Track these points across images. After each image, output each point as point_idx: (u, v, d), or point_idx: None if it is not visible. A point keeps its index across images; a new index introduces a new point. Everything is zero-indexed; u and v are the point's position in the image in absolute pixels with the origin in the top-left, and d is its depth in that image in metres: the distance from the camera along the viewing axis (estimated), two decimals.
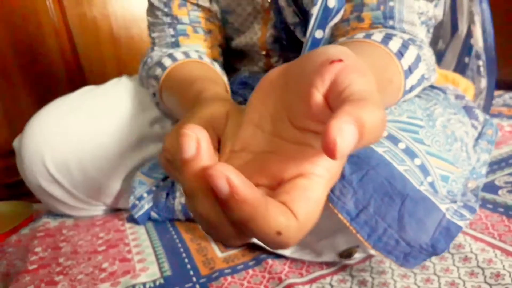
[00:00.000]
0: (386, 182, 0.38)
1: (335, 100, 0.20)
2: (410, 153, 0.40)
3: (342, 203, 0.39)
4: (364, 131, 0.17)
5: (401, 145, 0.40)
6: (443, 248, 0.38)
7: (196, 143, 0.19)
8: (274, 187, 0.23)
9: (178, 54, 0.65)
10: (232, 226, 0.20)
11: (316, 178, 0.21)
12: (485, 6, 0.74)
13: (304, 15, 0.57)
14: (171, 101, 0.62)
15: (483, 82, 0.78)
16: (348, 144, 0.16)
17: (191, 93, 0.54)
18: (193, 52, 0.67)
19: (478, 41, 0.76)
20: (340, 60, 0.21)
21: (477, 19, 0.74)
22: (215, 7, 0.70)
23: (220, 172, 0.17)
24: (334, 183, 0.23)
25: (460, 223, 0.38)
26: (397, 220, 0.38)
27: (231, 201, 0.18)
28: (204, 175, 0.18)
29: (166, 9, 0.68)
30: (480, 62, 0.77)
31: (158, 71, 0.64)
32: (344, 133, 0.16)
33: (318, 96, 0.21)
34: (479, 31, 0.75)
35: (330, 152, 0.16)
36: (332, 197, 0.39)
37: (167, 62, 0.64)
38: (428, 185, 0.40)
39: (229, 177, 0.17)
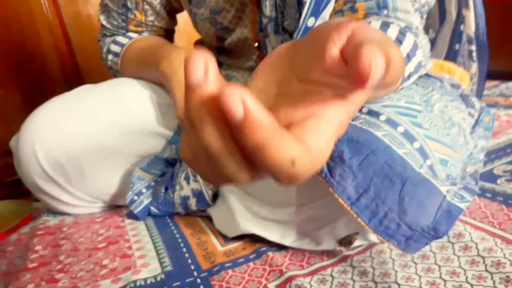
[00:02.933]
0: (386, 166, 0.38)
1: (353, 50, 0.19)
2: (409, 137, 0.40)
3: (342, 187, 0.39)
4: (390, 66, 0.17)
5: (400, 129, 0.40)
6: (445, 231, 0.38)
7: (204, 66, 0.17)
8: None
9: (131, 34, 0.79)
10: (241, 156, 0.19)
11: (326, 121, 0.21)
12: None
13: (281, 11, 0.58)
14: (133, 67, 0.75)
15: (474, 67, 0.78)
16: (379, 73, 0.16)
17: (162, 50, 0.68)
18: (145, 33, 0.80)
19: (471, 25, 0.76)
20: (357, 20, 0.21)
21: (470, 2, 0.75)
22: (168, 25, 0.82)
23: (235, 94, 0.16)
24: (341, 133, 0.22)
25: (461, 205, 0.38)
26: (398, 203, 0.38)
27: (246, 125, 0.17)
28: (214, 99, 0.17)
29: (123, 24, 0.78)
30: (473, 47, 0.77)
31: (115, 47, 0.77)
32: (377, 61, 0.16)
33: (334, 48, 0.20)
34: (472, 14, 0.75)
35: (362, 78, 0.16)
36: (332, 182, 0.39)
37: (124, 40, 0.78)
38: (427, 168, 0.40)
39: (244, 99, 0.16)
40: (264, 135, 0.17)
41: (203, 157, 0.20)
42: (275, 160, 0.18)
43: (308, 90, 0.22)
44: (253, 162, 0.19)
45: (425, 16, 0.58)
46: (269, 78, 0.25)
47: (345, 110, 0.21)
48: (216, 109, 0.17)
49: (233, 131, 0.18)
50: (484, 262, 0.45)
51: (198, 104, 0.18)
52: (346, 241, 0.49)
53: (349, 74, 0.17)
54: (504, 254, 0.45)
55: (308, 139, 0.19)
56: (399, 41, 0.44)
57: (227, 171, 0.20)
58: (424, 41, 0.50)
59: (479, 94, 0.81)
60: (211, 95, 0.17)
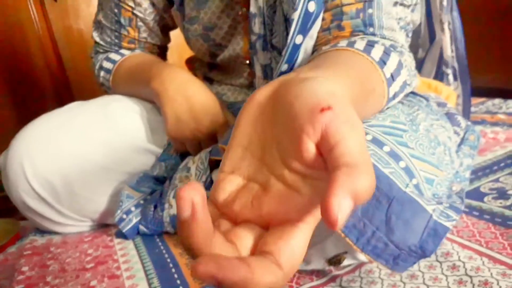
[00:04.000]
0: None
1: (327, 155, 0.21)
2: (395, 156, 0.41)
3: None
4: (358, 199, 0.19)
5: (386, 148, 0.41)
6: (432, 250, 0.39)
7: (192, 206, 0.20)
8: (264, 227, 0.24)
9: (124, 51, 0.80)
10: None
11: (303, 226, 0.23)
12: (455, 14, 0.76)
13: (270, 29, 0.60)
14: (124, 84, 0.77)
15: (457, 89, 0.80)
16: (346, 216, 0.19)
17: (153, 68, 0.70)
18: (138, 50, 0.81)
19: (446, 49, 0.78)
20: (329, 108, 0.22)
21: (446, 27, 0.77)
22: (161, 42, 0.83)
23: (207, 272, 0.19)
24: (317, 222, 0.24)
25: (447, 224, 0.39)
26: (385, 223, 0.38)
27: (223, 285, 0.19)
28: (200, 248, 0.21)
29: (116, 40, 0.79)
30: (448, 70, 0.79)
31: (108, 64, 0.78)
32: (342, 208, 0.18)
33: (310, 144, 0.23)
34: (448, 39, 0.77)
35: (331, 226, 0.18)
36: None
37: (116, 57, 0.79)
38: (413, 187, 0.40)
39: (214, 275, 0.19)
40: (240, 286, 0.20)
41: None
42: None
43: (289, 182, 0.24)
44: None
45: (410, 35, 0.59)
46: (252, 135, 0.27)
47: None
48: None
49: None
50: (471, 281, 0.45)
51: (188, 239, 0.21)
52: (335, 261, 0.48)
53: (322, 216, 0.19)
54: (491, 274, 0.46)
55: (282, 258, 0.22)
56: (383, 61, 0.45)
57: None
58: (409, 59, 0.51)
59: (466, 115, 0.82)
60: (198, 237, 0.20)
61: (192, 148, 0.68)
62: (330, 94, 0.24)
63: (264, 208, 0.24)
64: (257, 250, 0.23)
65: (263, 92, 0.27)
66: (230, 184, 0.26)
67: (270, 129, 0.26)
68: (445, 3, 0.75)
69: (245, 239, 0.24)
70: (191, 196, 0.20)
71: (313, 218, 0.23)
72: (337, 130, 0.22)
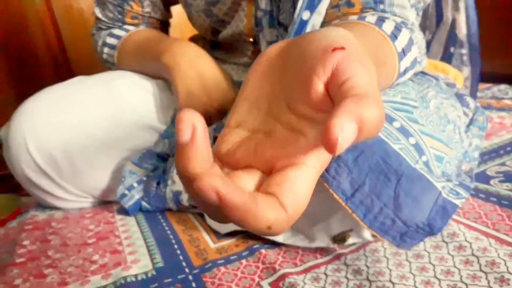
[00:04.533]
0: (381, 161, 0.38)
1: (336, 91, 0.20)
2: (405, 132, 0.40)
3: (338, 183, 0.38)
4: (364, 128, 0.18)
5: (396, 124, 0.40)
6: (440, 227, 0.38)
7: (192, 129, 0.19)
8: (266, 172, 0.23)
9: (127, 26, 0.79)
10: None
11: (307, 169, 0.22)
12: None
13: (277, 5, 0.58)
14: (131, 59, 0.76)
15: (466, 71, 0.78)
16: (348, 141, 0.17)
17: (162, 43, 0.69)
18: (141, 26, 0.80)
19: (462, 29, 0.76)
20: (342, 48, 0.21)
21: (461, 5, 0.75)
22: (164, 17, 0.82)
23: (209, 185, 0.18)
24: (324, 169, 0.23)
25: (456, 201, 0.38)
26: (393, 199, 0.38)
27: (222, 208, 0.19)
28: (197, 174, 0.19)
29: (119, 16, 0.77)
30: (463, 51, 0.77)
31: (112, 40, 0.77)
32: (345, 131, 0.17)
33: (319, 84, 0.21)
34: (463, 18, 0.76)
35: (330, 148, 0.17)
36: (327, 177, 0.38)
37: (121, 32, 0.78)
38: (423, 164, 0.39)
39: (216, 188, 0.18)
40: (240, 213, 0.19)
41: (193, 196, 0.22)
42: (253, 228, 0.20)
43: (294, 126, 0.23)
44: None
45: (420, 13, 0.58)
46: (260, 90, 0.26)
47: (328, 155, 0.22)
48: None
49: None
50: (478, 261, 0.45)
51: (185, 164, 0.19)
52: (340, 238, 0.48)
53: (322, 140, 0.18)
54: (498, 254, 0.45)
55: (285, 199, 0.21)
56: (394, 36, 0.44)
57: (218, 220, 0.22)
58: (419, 37, 0.50)
59: (472, 97, 0.81)
60: (196, 164, 0.19)
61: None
62: (344, 38, 0.23)
63: (268, 152, 0.23)
64: (260, 192, 0.22)
65: (274, 48, 0.26)
66: (233, 136, 0.25)
67: (279, 83, 0.25)
68: None
69: (247, 180, 0.23)
70: (192, 120, 0.19)
71: (319, 162, 0.22)
72: (349, 67, 0.20)
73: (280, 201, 0.21)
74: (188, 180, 0.20)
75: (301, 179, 0.21)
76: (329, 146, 0.17)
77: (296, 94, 0.23)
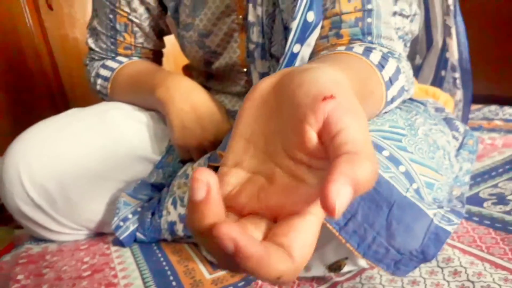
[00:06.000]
0: (373, 190, 0.38)
1: (329, 144, 0.21)
2: (395, 161, 0.40)
3: None
4: (358, 188, 0.19)
5: (385, 153, 0.41)
6: (433, 254, 0.38)
7: (207, 188, 0.20)
8: (271, 219, 0.24)
9: (120, 58, 0.80)
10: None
11: (311, 218, 0.22)
12: (459, 19, 0.77)
13: (269, 37, 0.59)
14: (124, 91, 0.76)
15: (459, 94, 0.80)
16: (345, 204, 0.18)
17: (156, 76, 0.70)
18: (134, 57, 0.81)
19: (454, 54, 0.78)
20: (332, 97, 0.22)
21: (453, 31, 0.77)
22: (157, 47, 0.83)
23: (226, 234, 0.19)
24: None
25: (449, 228, 0.38)
26: (386, 228, 0.38)
27: (236, 257, 0.19)
28: (212, 228, 0.19)
29: (112, 47, 0.79)
30: (456, 75, 0.79)
31: (105, 72, 0.78)
32: (341, 195, 0.18)
33: (312, 133, 0.22)
34: (455, 43, 0.78)
35: (330, 213, 0.18)
36: None
37: (114, 64, 0.79)
38: (414, 191, 0.40)
39: (234, 238, 0.19)
40: (253, 264, 0.19)
41: (205, 247, 0.22)
42: (263, 278, 0.20)
43: (293, 172, 0.24)
44: None
45: (408, 45, 0.59)
46: (254, 126, 0.26)
47: None
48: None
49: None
50: (474, 287, 0.45)
51: (199, 222, 0.20)
52: (335, 267, 0.48)
53: (320, 204, 0.18)
54: (493, 279, 0.45)
55: (293, 250, 0.21)
56: (381, 65, 0.45)
57: (226, 267, 0.22)
58: (407, 67, 0.52)
59: (464, 120, 0.83)
60: (210, 220, 0.20)
61: (198, 155, 0.67)
62: (333, 83, 0.23)
63: (272, 200, 0.24)
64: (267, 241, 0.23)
65: (266, 83, 0.26)
66: (234, 177, 0.25)
67: (273, 120, 0.25)
68: (452, 7, 0.76)
69: (254, 231, 0.23)
70: (206, 178, 0.20)
71: (321, 210, 0.23)
72: (340, 118, 0.21)
73: (289, 252, 0.21)
74: (201, 234, 0.20)
75: (307, 229, 0.22)
76: (329, 211, 0.18)
77: (290, 140, 0.24)
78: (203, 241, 0.21)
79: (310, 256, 0.22)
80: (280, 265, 0.20)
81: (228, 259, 0.20)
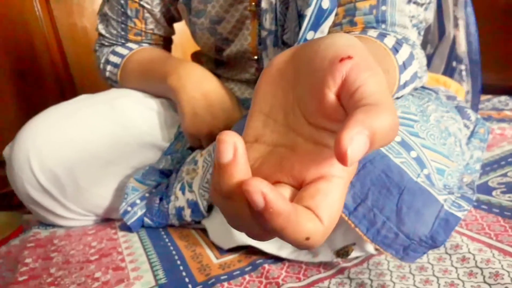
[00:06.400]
0: (383, 175, 0.38)
1: (348, 101, 0.20)
2: (406, 146, 0.40)
3: None
4: (375, 138, 0.18)
5: (397, 138, 0.40)
6: (443, 240, 0.38)
7: (234, 149, 0.20)
8: (296, 186, 0.23)
9: (130, 44, 0.80)
10: (262, 229, 0.21)
11: (336, 180, 0.22)
12: (470, 9, 0.76)
13: (281, 25, 0.59)
14: (135, 79, 0.76)
15: (465, 86, 0.79)
16: (359, 153, 0.17)
17: (168, 64, 0.70)
18: (144, 44, 0.81)
19: (461, 45, 0.77)
20: (350, 57, 0.21)
21: (461, 23, 0.76)
22: (167, 34, 0.82)
23: (256, 187, 0.18)
24: (352, 178, 0.23)
25: (459, 213, 0.38)
26: (396, 213, 0.38)
27: (266, 213, 0.19)
28: (240, 186, 0.19)
29: (122, 33, 0.78)
30: (462, 66, 0.78)
31: (115, 58, 0.78)
32: (355, 143, 0.17)
33: (331, 95, 0.21)
34: (463, 35, 0.77)
35: (341, 160, 0.17)
36: None
37: (124, 51, 0.78)
38: (424, 177, 0.40)
39: (264, 192, 0.18)
40: (282, 221, 0.19)
41: (234, 221, 0.22)
42: (292, 239, 0.20)
43: (315, 139, 0.23)
44: None
45: (422, 33, 0.59)
46: (273, 100, 0.25)
47: (355, 165, 0.23)
48: (242, 192, 0.19)
49: (255, 214, 0.20)
50: (482, 273, 0.45)
51: (228, 182, 0.20)
52: (343, 252, 0.48)
53: (334, 150, 0.18)
54: (502, 266, 0.45)
55: (321, 211, 0.21)
56: (395, 49, 0.45)
57: (250, 234, 0.23)
58: (420, 54, 0.51)
59: (474, 110, 0.82)
60: (238, 179, 0.20)
61: (208, 143, 0.67)
62: (349, 45, 0.22)
63: (295, 167, 0.23)
64: None
65: (282, 57, 0.26)
66: (255, 152, 0.25)
67: (292, 92, 0.25)
68: None
69: None
70: (233, 139, 0.19)
71: (346, 172, 0.22)
72: (357, 76, 0.20)
73: (316, 214, 0.21)
74: (228, 196, 0.20)
75: (333, 191, 0.22)
76: (340, 158, 0.17)
77: (310, 106, 0.23)
78: (229, 206, 0.21)
79: (338, 219, 0.22)
80: (309, 224, 0.20)
81: (257, 218, 0.19)
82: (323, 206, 0.21)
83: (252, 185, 0.18)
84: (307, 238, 0.20)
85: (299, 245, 0.21)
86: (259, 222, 0.20)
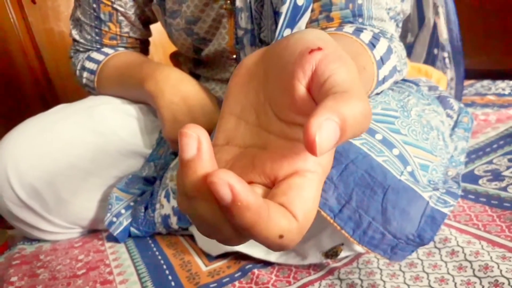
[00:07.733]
0: (366, 175, 0.38)
1: (318, 93, 0.19)
2: (388, 144, 0.39)
3: (324, 200, 0.38)
4: (346, 125, 0.17)
5: (378, 136, 0.40)
6: (430, 237, 0.38)
7: (197, 143, 0.18)
8: (269, 185, 0.22)
9: (106, 49, 0.78)
10: (233, 229, 0.20)
11: (310, 175, 0.21)
12: None
13: (258, 23, 0.58)
14: (112, 85, 0.74)
15: (449, 73, 0.79)
16: (329, 141, 0.16)
17: (144, 69, 0.68)
18: (120, 48, 0.79)
19: (442, 33, 0.77)
20: (319, 49, 0.20)
21: (441, 10, 0.76)
22: (143, 36, 0.80)
23: (222, 179, 0.17)
24: (327, 174, 0.22)
25: (445, 210, 0.38)
26: (381, 212, 0.37)
27: (234, 207, 0.17)
28: (205, 179, 0.18)
29: (97, 38, 0.76)
30: (445, 54, 0.78)
31: (91, 64, 0.76)
32: (324, 130, 0.16)
33: (301, 88, 0.21)
34: (443, 22, 0.76)
35: (310, 149, 0.16)
36: None
37: (99, 56, 0.76)
38: (408, 174, 0.39)
39: (231, 184, 0.17)
40: (252, 216, 0.18)
41: (202, 224, 0.21)
42: (264, 237, 0.19)
43: (287, 135, 0.22)
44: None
45: (400, 25, 0.58)
46: (244, 101, 0.24)
47: (327, 155, 0.22)
48: (207, 188, 0.18)
49: (223, 210, 0.18)
50: (471, 266, 0.44)
51: (192, 179, 0.18)
52: (332, 253, 0.47)
53: (303, 138, 0.17)
54: (491, 257, 0.45)
55: (295, 208, 0.20)
56: (372, 44, 0.44)
57: (220, 238, 0.21)
58: (399, 47, 0.50)
59: (458, 98, 0.82)
60: (204, 174, 0.18)
61: None
62: (319, 38, 0.22)
63: (267, 165, 0.22)
64: None
65: (251, 58, 0.25)
66: (226, 154, 0.24)
67: (262, 91, 0.24)
68: None
69: None
70: (196, 133, 0.18)
71: (320, 167, 0.21)
72: (327, 67, 0.20)
73: (290, 210, 0.20)
74: (193, 194, 0.19)
75: (307, 186, 0.21)
76: (309, 146, 0.16)
77: (281, 101, 0.22)
78: (196, 208, 0.19)
79: (314, 216, 0.21)
80: (283, 220, 0.19)
81: (225, 214, 0.18)
82: (297, 202, 0.20)
83: (217, 177, 0.17)
84: (281, 236, 0.19)
85: (272, 245, 0.19)
86: (228, 218, 0.18)
